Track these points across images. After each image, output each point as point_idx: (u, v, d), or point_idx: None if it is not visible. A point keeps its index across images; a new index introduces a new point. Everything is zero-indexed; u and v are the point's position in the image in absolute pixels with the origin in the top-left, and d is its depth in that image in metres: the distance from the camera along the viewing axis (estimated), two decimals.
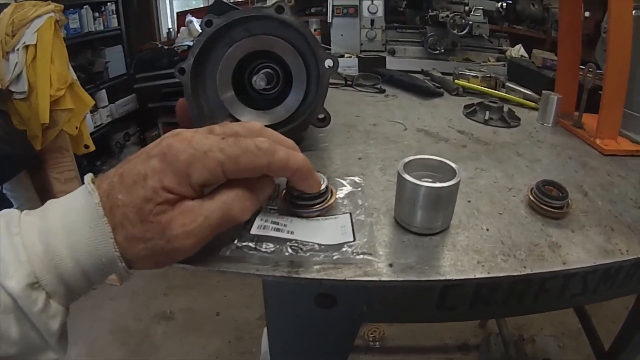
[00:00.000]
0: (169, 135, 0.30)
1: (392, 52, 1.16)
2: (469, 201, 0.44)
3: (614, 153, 0.58)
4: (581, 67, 0.70)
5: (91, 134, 1.80)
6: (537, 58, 0.98)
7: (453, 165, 0.38)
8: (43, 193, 1.65)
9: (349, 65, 1.06)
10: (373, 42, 1.18)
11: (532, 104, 0.80)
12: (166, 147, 0.29)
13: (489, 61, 1.18)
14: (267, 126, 0.38)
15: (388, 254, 0.35)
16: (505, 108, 0.72)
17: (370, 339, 1.48)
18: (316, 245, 0.34)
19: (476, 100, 0.77)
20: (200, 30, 0.49)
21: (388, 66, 1.09)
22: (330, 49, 1.18)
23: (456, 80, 0.90)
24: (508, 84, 0.90)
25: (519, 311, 0.43)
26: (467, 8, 1.18)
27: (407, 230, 0.38)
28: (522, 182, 0.48)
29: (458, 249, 0.36)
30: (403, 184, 0.36)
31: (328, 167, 0.50)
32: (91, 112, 2.03)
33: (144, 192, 0.28)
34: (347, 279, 0.32)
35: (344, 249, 0.34)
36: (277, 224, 0.35)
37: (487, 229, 0.39)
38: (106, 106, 2.25)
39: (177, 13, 3.03)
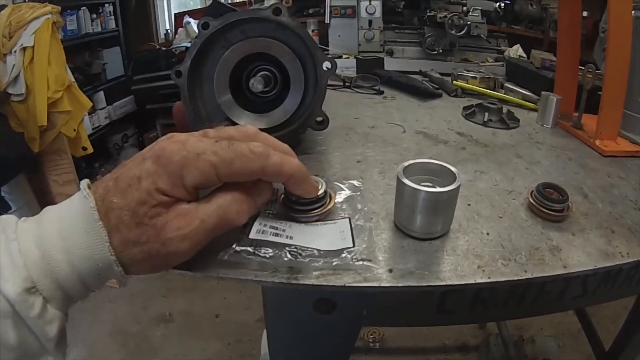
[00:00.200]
0: (163, 138, 0.30)
1: (390, 53, 1.16)
2: (469, 205, 0.43)
3: (613, 154, 0.58)
4: (580, 67, 0.70)
5: (89, 136, 1.79)
6: (536, 58, 0.98)
7: (453, 169, 0.37)
8: (41, 195, 1.64)
9: (347, 66, 1.06)
10: (371, 43, 1.18)
11: (531, 105, 0.79)
12: (160, 149, 0.29)
13: (488, 61, 1.18)
14: (264, 129, 0.38)
15: (387, 259, 0.35)
16: (505, 109, 0.71)
17: (370, 340, 1.48)
18: (315, 251, 0.33)
19: (475, 101, 0.77)
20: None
21: (386, 67, 1.09)
22: (328, 50, 1.18)
23: (455, 81, 0.89)
24: (507, 84, 0.90)
25: (518, 314, 0.43)
26: (465, 8, 1.18)
27: (407, 235, 0.37)
28: (522, 185, 0.48)
29: (458, 254, 0.36)
30: (402, 189, 0.36)
31: (327, 171, 0.50)
32: (89, 113, 2.03)
33: (139, 195, 0.28)
34: (347, 285, 0.32)
35: (343, 255, 0.33)
36: (276, 228, 0.35)
37: (487, 233, 0.39)
38: (104, 108, 2.25)
39: (175, 14, 3.03)
